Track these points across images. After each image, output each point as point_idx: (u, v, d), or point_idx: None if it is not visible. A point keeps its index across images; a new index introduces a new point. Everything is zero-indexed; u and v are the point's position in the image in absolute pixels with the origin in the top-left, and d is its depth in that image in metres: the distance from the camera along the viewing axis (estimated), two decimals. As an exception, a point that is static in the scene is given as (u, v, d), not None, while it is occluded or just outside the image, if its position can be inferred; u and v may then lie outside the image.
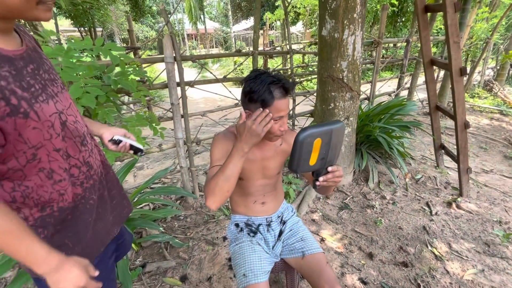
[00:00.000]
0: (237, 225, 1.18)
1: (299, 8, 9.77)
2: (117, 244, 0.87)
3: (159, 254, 1.83)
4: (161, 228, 1.83)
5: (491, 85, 6.05)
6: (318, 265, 1.03)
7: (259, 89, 0.85)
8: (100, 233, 0.73)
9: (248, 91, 0.88)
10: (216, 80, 2.29)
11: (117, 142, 0.91)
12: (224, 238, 1.96)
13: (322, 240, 1.94)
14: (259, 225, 1.16)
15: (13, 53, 0.55)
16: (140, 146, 0.97)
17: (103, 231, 0.74)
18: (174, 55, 1.96)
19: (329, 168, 0.78)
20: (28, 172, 0.57)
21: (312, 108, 3.07)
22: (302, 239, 1.13)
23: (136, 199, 1.98)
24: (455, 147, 2.34)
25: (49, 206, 0.61)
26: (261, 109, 0.81)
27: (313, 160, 0.74)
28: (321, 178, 0.78)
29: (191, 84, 2.19)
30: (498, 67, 6.30)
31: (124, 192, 0.88)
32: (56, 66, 1.29)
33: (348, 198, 2.42)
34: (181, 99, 2.10)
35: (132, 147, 0.94)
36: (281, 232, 1.18)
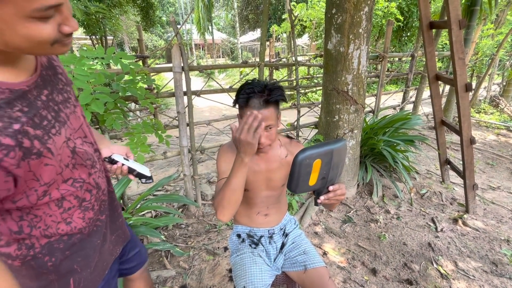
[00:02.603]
0: (239, 235, 1.17)
1: (305, 21, 9.94)
2: (123, 260, 0.85)
3: (160, 262, 1.82)
4: (162, 236, 1.82)
5: (497, 100, 6.03)
6: (320, 279, 1.02)
7: (240, 99, 0.87)
8: (105, 254, 0.70)
9: (235, 100, 0.90)
10: (222, 90, 2.33)
11: (113, 162, 0.79)
12: (225, 248, 1.94)
13: (325, 253, 1.91)
14: (261, 236, 1.15)
15: (26, 84, 0.49)
16: (145, 171, 0.83)
17: (107, 252, 0.71)
18: (182, 65, 2.00)
19: (330, 188, 0.76)
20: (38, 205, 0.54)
21: (317, 119, 3.08)
22: (304, 252, 1.12)
23: (138, 206, 1.98)
24: (461, 162, 2.31)
25: (57, 233, 0.57)
26: (248, 113, 0.78)
27: (312, 181, 0.72)
28: (322, 197, 0.76)
29: (198, 93, 2.22)
30: (504, 83, 6.29)
31: (120, 208, 0.81)
32: (68, 74, 1.32)
33: (352, 211, 2.39)
34: (187, 108, 2.13)
35: (132, 170, 0.82)
36: (283, 245, 1.17)
